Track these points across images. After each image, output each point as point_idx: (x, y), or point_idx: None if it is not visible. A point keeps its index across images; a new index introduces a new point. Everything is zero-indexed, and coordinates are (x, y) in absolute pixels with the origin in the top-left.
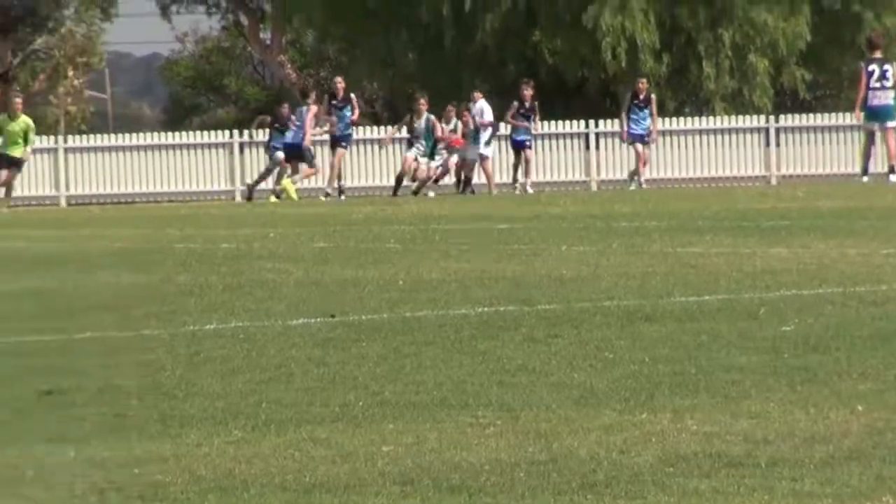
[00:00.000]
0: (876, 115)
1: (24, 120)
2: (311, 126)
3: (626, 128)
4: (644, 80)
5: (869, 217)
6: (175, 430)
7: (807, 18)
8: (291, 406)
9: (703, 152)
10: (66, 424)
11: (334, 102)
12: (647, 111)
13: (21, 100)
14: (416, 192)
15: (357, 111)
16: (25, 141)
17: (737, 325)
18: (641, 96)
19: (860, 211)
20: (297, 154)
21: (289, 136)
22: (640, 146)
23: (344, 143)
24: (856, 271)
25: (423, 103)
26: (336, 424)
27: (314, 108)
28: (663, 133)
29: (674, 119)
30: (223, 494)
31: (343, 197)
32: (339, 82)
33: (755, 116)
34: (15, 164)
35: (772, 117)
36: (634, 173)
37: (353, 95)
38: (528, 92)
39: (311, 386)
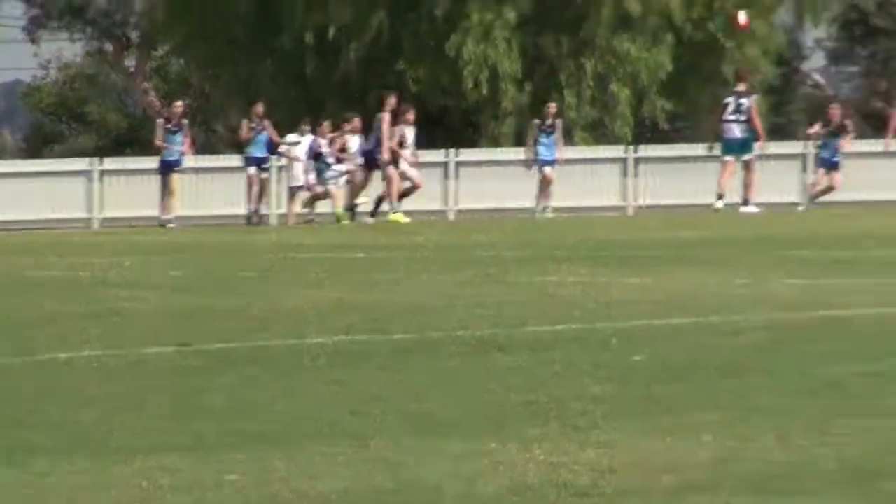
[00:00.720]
0: (730, 147)
1: None
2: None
3: (533, 155)
4: (553, 105)
5: (724, 247)
6: (21, 459)
7: (669, 48)
8: (143, 435)
9: (561, 182)
10: None
11: (168, 126)
12: (553, 136)
13: None
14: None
15: (189, 139)
16: None
17: (590, 355)
18: (548, 121)
19: (715, 241)
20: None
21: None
22: (548, 170)
23: (177, 168)
24: (710, 301)
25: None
26: (186, 454)
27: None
28: (522, 163)
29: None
30: None
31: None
32: (178, 106)
33: (613, 147)
34: None
35: (630, 147)
36: (541, 199)
37: (185, 122)
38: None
39: (164, 415)
